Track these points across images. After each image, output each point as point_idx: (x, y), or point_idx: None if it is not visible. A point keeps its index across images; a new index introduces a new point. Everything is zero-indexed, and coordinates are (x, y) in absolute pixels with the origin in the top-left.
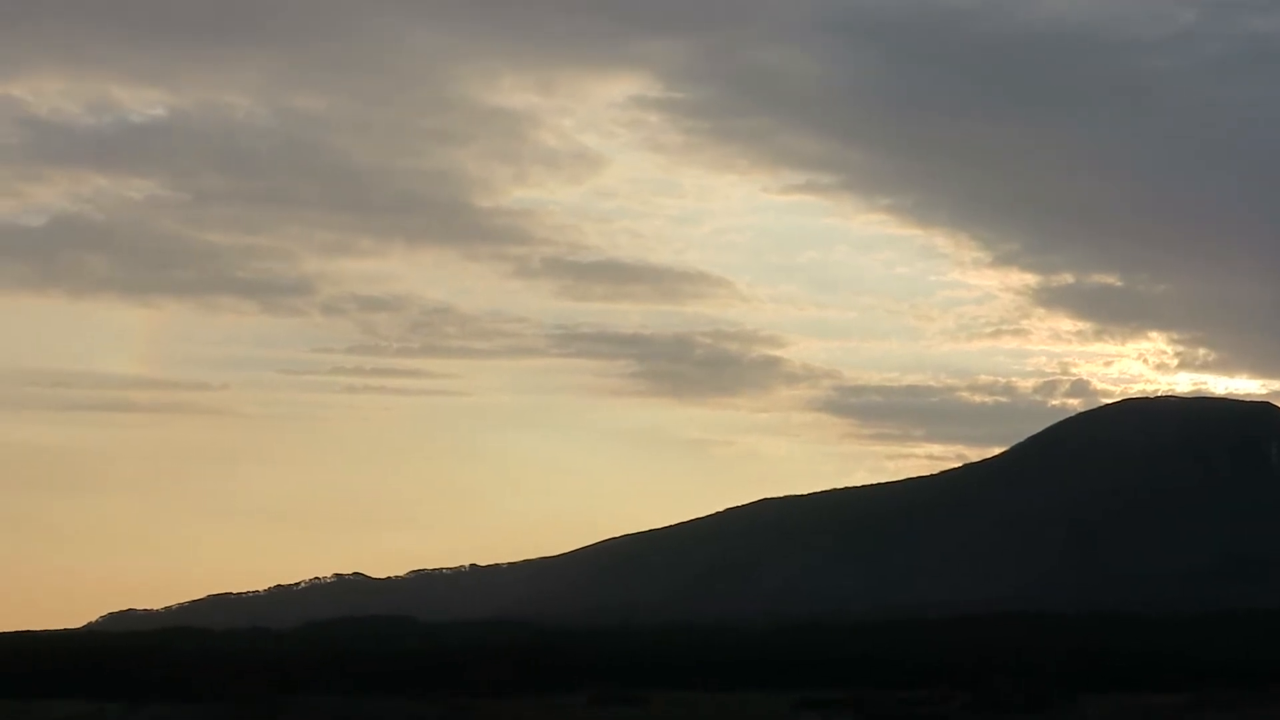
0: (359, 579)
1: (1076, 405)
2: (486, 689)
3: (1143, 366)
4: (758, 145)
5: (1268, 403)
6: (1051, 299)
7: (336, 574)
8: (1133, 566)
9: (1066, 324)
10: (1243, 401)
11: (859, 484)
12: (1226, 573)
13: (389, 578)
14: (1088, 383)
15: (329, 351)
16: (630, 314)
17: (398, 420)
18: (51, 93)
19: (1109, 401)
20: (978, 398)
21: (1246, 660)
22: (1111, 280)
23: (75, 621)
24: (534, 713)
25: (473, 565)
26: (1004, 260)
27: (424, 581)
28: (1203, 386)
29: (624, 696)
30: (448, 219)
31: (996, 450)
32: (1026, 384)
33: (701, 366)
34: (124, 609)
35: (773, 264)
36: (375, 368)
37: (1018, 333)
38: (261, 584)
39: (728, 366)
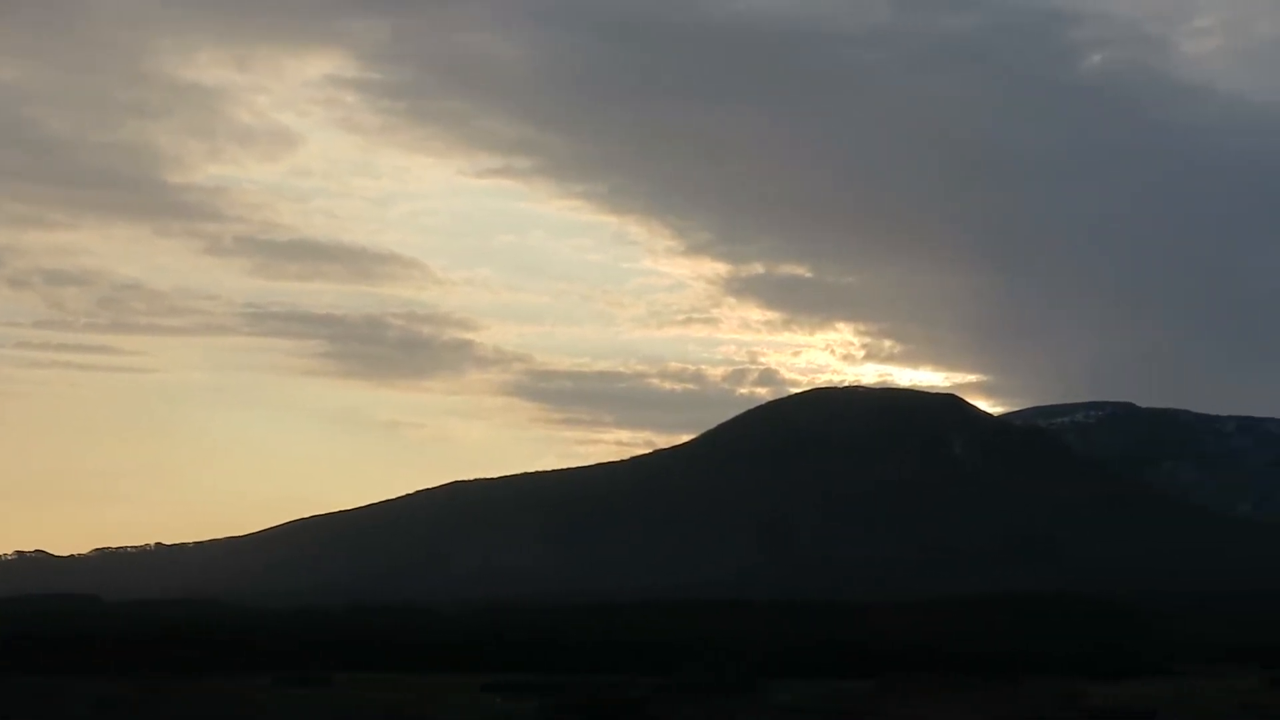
0: (41, 556)
1: (765, 394)
2: (171, 669)
3: (830, 357)
4: (455, 128)
5: (952, 395)
6: (742, 288)
7: (18, 551)
8: (821, 554)
9: (756, 313)
10: (928, 393)
11: (549, 468)
12: (913, 561)
13: (72, 556)
14: (776, 372)
15: (14, 325)
16: (324, 294)
17: (84, 396)
18: None
19: (797, 391)
20: (668, 385)
21: (932, 648)
22: (801, 271)
23: None
24: (219, 694)
25: (159, 544)
26: (696, 249)
27: (108, 560)
28: (888, 378)
29: (309, 678)
30: (140, 194)
31: (686, 437)
32: (716, 372)
33: (394, 348)
34: None
35: (467, 247)
36: (62, 343)
37: (708, 321)
38: None
39: (420, 349)
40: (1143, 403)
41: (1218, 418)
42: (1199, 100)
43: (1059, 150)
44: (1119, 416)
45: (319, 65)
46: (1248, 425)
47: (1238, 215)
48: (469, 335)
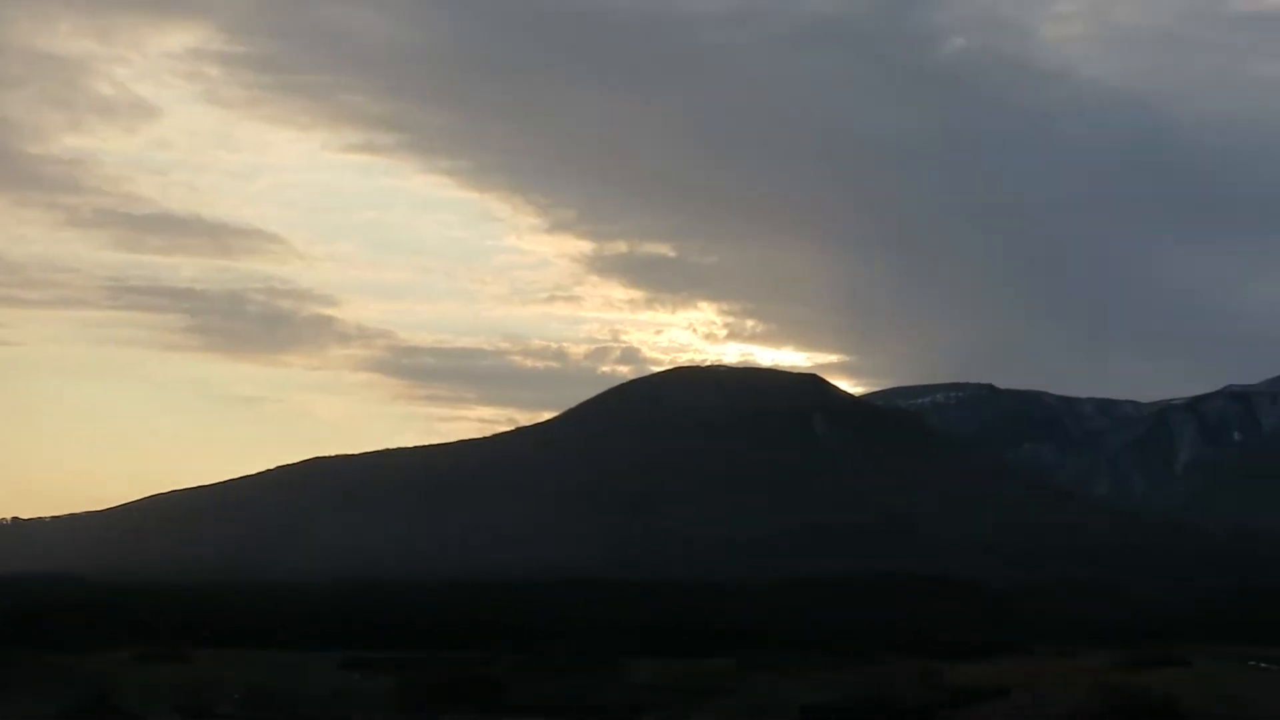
0: None
1: (627, 372)
2: (29, 644)
3: (692, 336)
4: (319, 102)
5: (814, 374)
6: (605, 267)
7: None
8: (683, 533)
9: (619, 292)
10: (789, 373)
11: (411, 445)
12: (774, 541)
13: None
14: (638, 350)
15: None
16: (184, 268)
17: None
18: None
19: (659, 370)
20: (530, 362)
21: (792, 626)
22: (664, 250)
23: None
24: (78, 668)
25: (15, 518)
26: (560, 227)
27: None
28: (750, 357)
29: (168, 654)
30: None
31: (548, 415)
32: (579, 350)
33: (255, 323)
34: None
35: (330, 222)
36: None
37: (571, 299)
38: None
39: (282, 324)
40: (1002, 384)
41: (1076, 400)
42: (1059, 85)
43: (921, 133)
44: (979, 397)
45: (182, 38)
46: (1106, 407)
47: (1098, 199)
48: (331, 311)
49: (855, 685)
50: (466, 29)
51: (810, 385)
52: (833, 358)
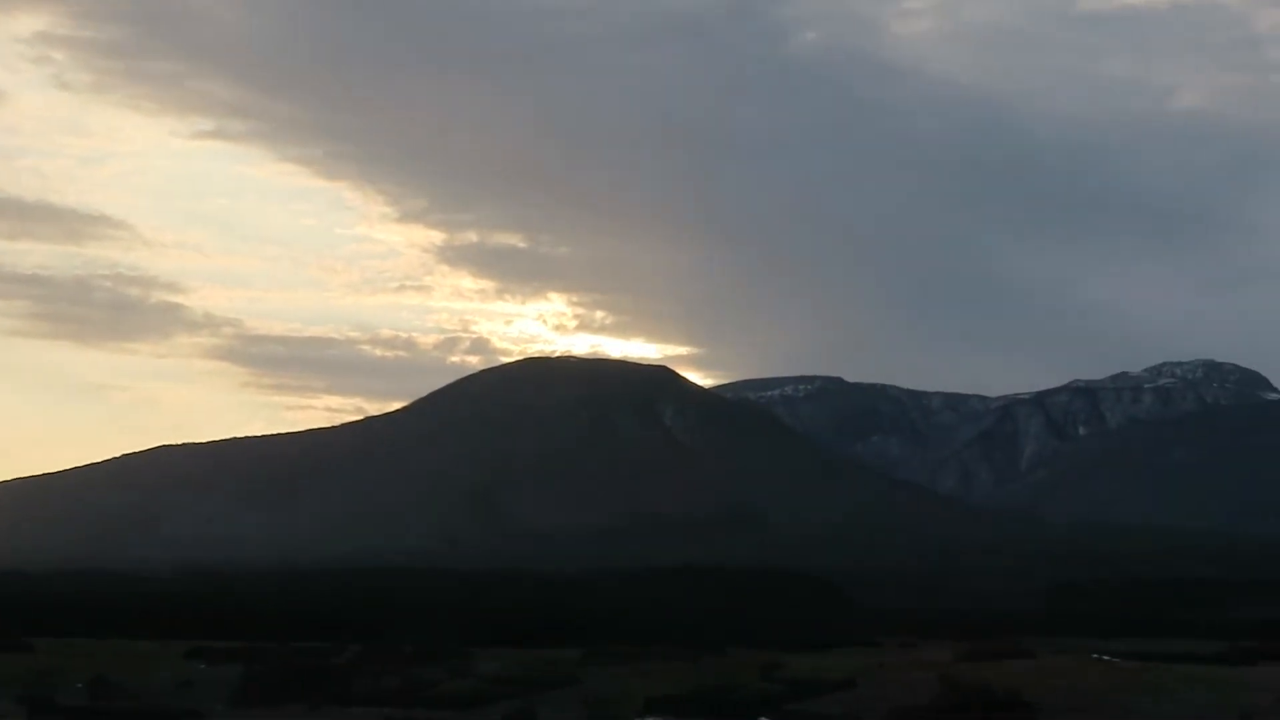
0: None
1: (476, 363)
2: None
3: (542, 327)
4: (169, 89)
5: (664, 366)
6: (455, 257)
7: None
8: (532, 524)
9: (469, 282)
10: (639, 364)
11: (259, 434)
12: (622, 531)
13: None
14: (488, 341)
15: None
16: (31, 254)
17: None
18: None
19: (509, 360)
20: (380, 352)
21: (638, 617)
22: (515, 241)
23: None
24: None
25: None
26: (410, 216)
27: None
28: (600, 349)
29: (10, 643)
30: None
31: (398, 405)
32: (428, 340)
33: (102, 310)
34: None
35: (179, 209)
36: None
37: (421, 289)
38: None
39: (129, 311)
40: (851, 377)
41: (924, 394)
42: (908, 81)
43: (772, 127)
44: (828, 390)
45: (29, 22)
46: (953, 401)
47: (946, 195)
48: (178, 298)
49: (700, 676)
50: (319, 17)
51: (660, 377)
52: (683, 350)
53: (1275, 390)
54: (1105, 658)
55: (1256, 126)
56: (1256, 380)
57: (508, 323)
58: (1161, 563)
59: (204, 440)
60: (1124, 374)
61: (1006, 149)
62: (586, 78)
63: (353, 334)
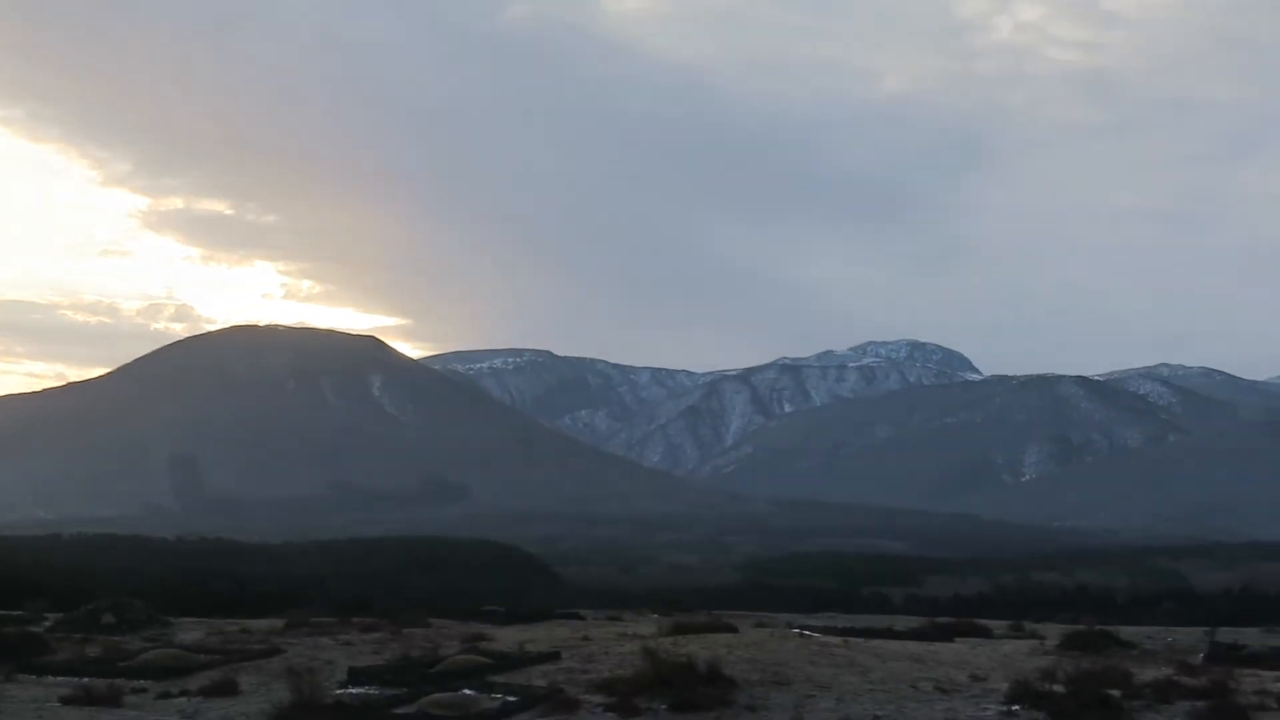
0: None
1: (181, 330)
2: None
3: (249, 295)
4: None
5: (372, 336)
6: (161, 222)
7: None
8: (234, 493)
9: (175, 248)
10: (347, 334)
11: None
12: (328, 501)
13: None
14: (193, 308)
15: None
16: None
17: None
18: None
19: (214, 328)
20: (82, 317)
21: (342, 587)
22: (221, 208)
23: None
24: None
25: None
26: (115, 181)
27: None
28: (308, 318)
29: None
30: None
31: (100, 371)
32: (132, 307)
33: None
34: None
35: None
36: None
37: (124, 254)
38: None
39: None
40: (560, 351)
41: (632, 368)
42: (621, 58)
43: (481, 98)
44: (537, 364)
45: None
46: (660, 376)
47: (656, 174)
48: None
49: (403, 648)
50: None
51: (368, 347)
52: (392, 320)
53: (976, 370)
54: (805, 632)
55: (959, 111)
56: (958, 360)
57: (214, 290)
58: (860, 539)
59: None
60: (829, 352)
61: (716, 129)
62: (294, 45)
63: (54, 299)
